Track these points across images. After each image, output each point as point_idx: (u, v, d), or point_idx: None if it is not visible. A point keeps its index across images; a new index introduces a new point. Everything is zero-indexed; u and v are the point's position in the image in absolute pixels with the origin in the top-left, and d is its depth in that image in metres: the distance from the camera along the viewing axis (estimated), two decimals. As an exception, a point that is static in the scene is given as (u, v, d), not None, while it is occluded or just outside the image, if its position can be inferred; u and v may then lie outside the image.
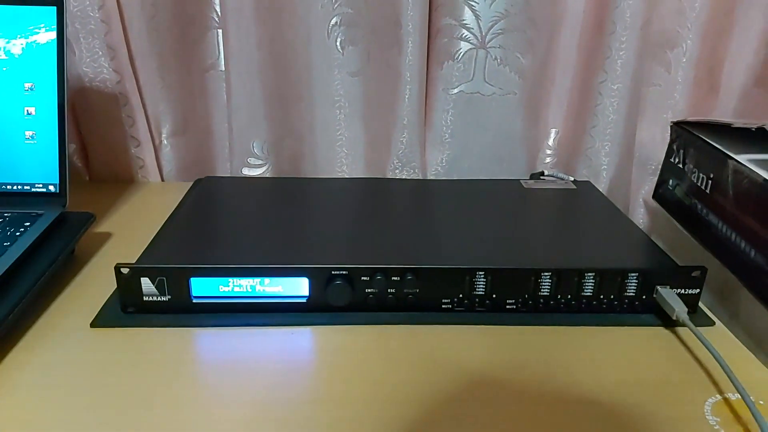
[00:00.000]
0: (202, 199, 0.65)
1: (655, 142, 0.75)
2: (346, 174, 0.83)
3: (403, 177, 0.81)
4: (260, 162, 0.80)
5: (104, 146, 0.78)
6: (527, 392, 0.43)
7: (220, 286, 0.50)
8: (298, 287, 0.51)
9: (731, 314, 0.56)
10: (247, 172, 0.80)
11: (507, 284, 0.51)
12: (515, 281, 0.51)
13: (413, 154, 0.80)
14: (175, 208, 0.63)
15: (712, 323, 0.52)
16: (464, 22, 0.73)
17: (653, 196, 0.69)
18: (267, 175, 0.81)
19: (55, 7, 0.57)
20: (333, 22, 0.74)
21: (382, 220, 0.61)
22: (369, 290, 0.51)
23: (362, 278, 0.50)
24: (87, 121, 0.77)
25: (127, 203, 0.73)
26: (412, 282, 0.50)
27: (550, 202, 0.67)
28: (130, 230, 0.66)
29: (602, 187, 0.78)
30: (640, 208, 0.79)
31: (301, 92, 0.79)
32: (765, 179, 0.50)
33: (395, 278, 0.50)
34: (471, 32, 0.73)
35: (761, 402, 0.44)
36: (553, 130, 0.83)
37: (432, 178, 0.82)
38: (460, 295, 0.51)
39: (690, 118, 0.64)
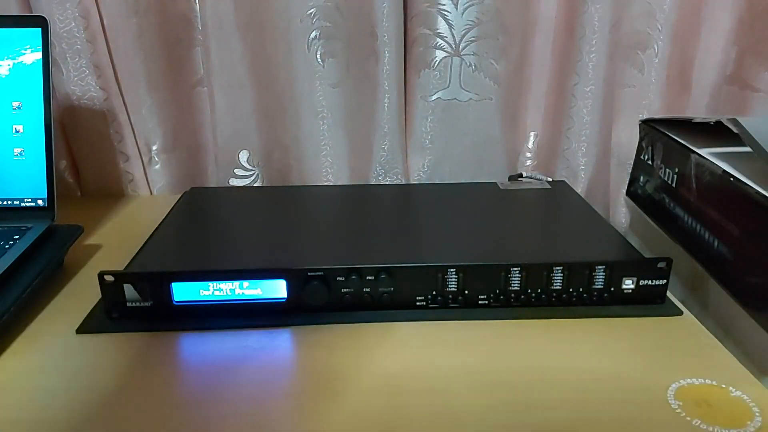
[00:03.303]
0: (188, 209, 0.67)
1: (632, 142, 0.76)
2: (331, 182, 0.85)
3: (387, 183, 0.83)
4: (247, 173, 0.82)
5: (94, 162, 0.81)
6: (500, 383, 0.45)
7: (201, 290, 0.52)
8: (277, 289, 0.52)
9: (701, 304, 0.58)
10: (235, 183, 0.83)
11: (478, 280, 0.53)
12: (486, 277, 0.53)
13: (395, 161, 0.82)
14: (163, 219, 0.65)
15: (680, 313, 0.54)
16: (438, 31, 0.75)
17: (626, 194, 0.71)
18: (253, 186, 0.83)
19: (39, 29, 0.60)
20: (312, 35, 0.76)
21: (360, 224, 0.63)
22: (345, 290, 0.52)
23: (338, 278, 0.52)
24: (76, 138, 0.79)
25: (117, 216, 0.76)
26: (386, 281, 0.52)
27: (525, 202, 0.69)
28: (118, 242, 0.68)
29: (581, 186, 0.80)
30: (621, 207, 0.80)
31: (285, 104, 0.81)
32: (724, 171, 0.52)
33: (370, 277, 0.52)
34: (445, 41, 0.76)
35: (731, 388, 0.45)
36: (532, 133, 0.85)
37: (414, 182, 0.84)
38: (434, 293, 0.53)
39: (656, 116, 0.66)
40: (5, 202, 0.62)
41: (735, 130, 0.50)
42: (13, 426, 0.41)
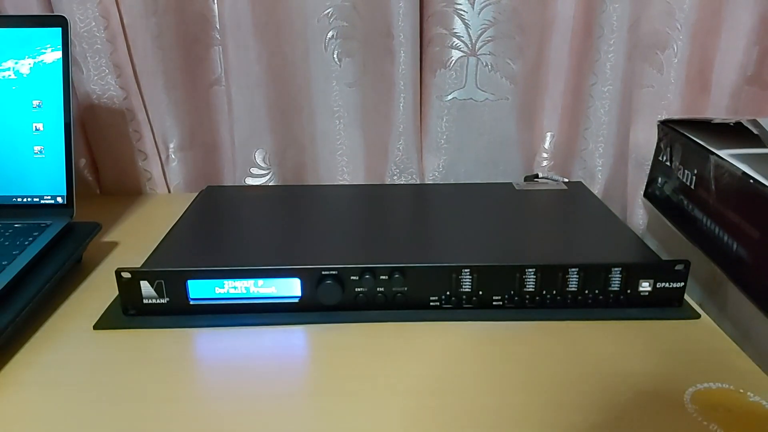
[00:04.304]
0: (204, 207, 0.68)
1: (650, 143, 0.76)
2: (347, 182, 0.85)
3: (401, 183, 0.83)
4: (263, 172, 0.83)
5: (113, 160, 0.82)
6: (513, 385, 0.45)
7: (216, 288, 0.52)
8: (291, 288, 0.53)
9: (720, 307, 0.57)
10: (251, 182, 0.83)
11: (493, 281, 0.53)
12: (500, 278, 0.52)
13: (410, 161, 0.82)
14: (179, 218, 0.65)
15: (698, 316, 0.53)
16: (454, 30, 0.75)
17: (644, 195, 0.70)
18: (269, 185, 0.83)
19: (60, 29, 0.61)
20: (329, 35, 0.77)
21: (374, 223, 0.63)
22: (358, 289, 0.53)
23: (352, 278, 0.52)
24: (96, 136, 0.80)
25: (135, 214, 0.76)
26: (400, 280, 0.52)
27: (540, 203, 0.68)
28: (136, 239, 0.69)
29: (598, 187, 0.79)
30: (639, 209, 0.79)
31: (301, 103, 0.81)
32: (744, 173, 0.51)
33: (383, 277, 0.52)
34: (461, 40, 0.76)
35: (750, 393, 0.44)
36: (549, 134, 0.84)
37: (429, 182, 0.84)
38: (448, 293, 0.53)
39: (675, 117, 0.65)
40: (25, 199, 0.63)
41: (755, 131, 0.49)
42: (30, 421, 0.41)
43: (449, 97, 0.79)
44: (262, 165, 0.82)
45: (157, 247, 0.58)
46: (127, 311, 0.53)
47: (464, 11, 0.74)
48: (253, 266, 0.52)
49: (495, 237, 0.59)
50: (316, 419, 0.41)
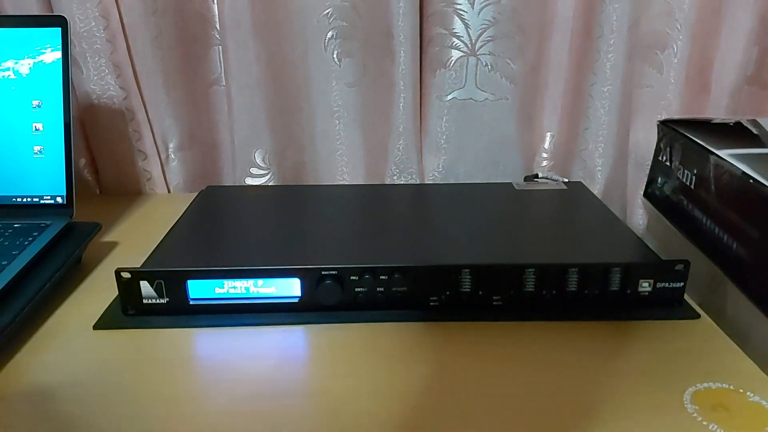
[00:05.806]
0: (204, 207, 0.68)
1: (650, 143, 0.76)
2: (347, 182, 0.85)
3: (401, 183, 0.83)
4: (263, 172, 0.83)
5: (112, 160, 0.82)
6: (513, 385, 0.45)
7: (216, 288, 0.52)
8: (291, 288, 0.52)
9: (719, 307, 0.57)
10: (251, 182, 0.83)
11: (492, 281, 0.53)
12: (500, 278, 0.52)
13: (410, 161, 0.82)
14: (179, 218, 0.65)
15: (698, 316, 0.53)
16: (454, 30, 0.75)
17: (644, 195, 0.70)
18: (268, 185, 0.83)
19: (59, 29, 0.61)
20: (329, 35, 0.77)
21: (374, 223, 0.63)
22: (358, 289, 0.52)
23: (351, 278, 0.52)
24: (96, 136, 0.80)
25: (135, 214, 0.76)
26: (399, 280, 0.52)
27: (540, 203, 0.68)
28: (136, 239, 0.69)
29: (597, 187, 0.79)
30: (638, 208, 0.80)
31: (301, 103, 0.81)
32: (744, 172, 0.51)
33: (383, 277, 0.52)
34: (461, 40, 0.76)
35: (749, 393, 0.44)
36: (549, 134, 0.84)
37: (429, 182, 0.84)
38: (447, 293, 0.53)
39: (675, 117, 0.65)
40: (25, 199, 0.63)
41: (755, 131, 0.49)
42: (30, 421, 0.41)
43: (449, 97, 0.79)
44: (262, 165, 0.82)
45: (157, 247, 0.58)
46: (127, 311, 0.53)
47: (464, 11, 0.74)
48: (253, 266, 0.52)
49: (495, 237, 0.59)
50: (316, 419, 0.41)
